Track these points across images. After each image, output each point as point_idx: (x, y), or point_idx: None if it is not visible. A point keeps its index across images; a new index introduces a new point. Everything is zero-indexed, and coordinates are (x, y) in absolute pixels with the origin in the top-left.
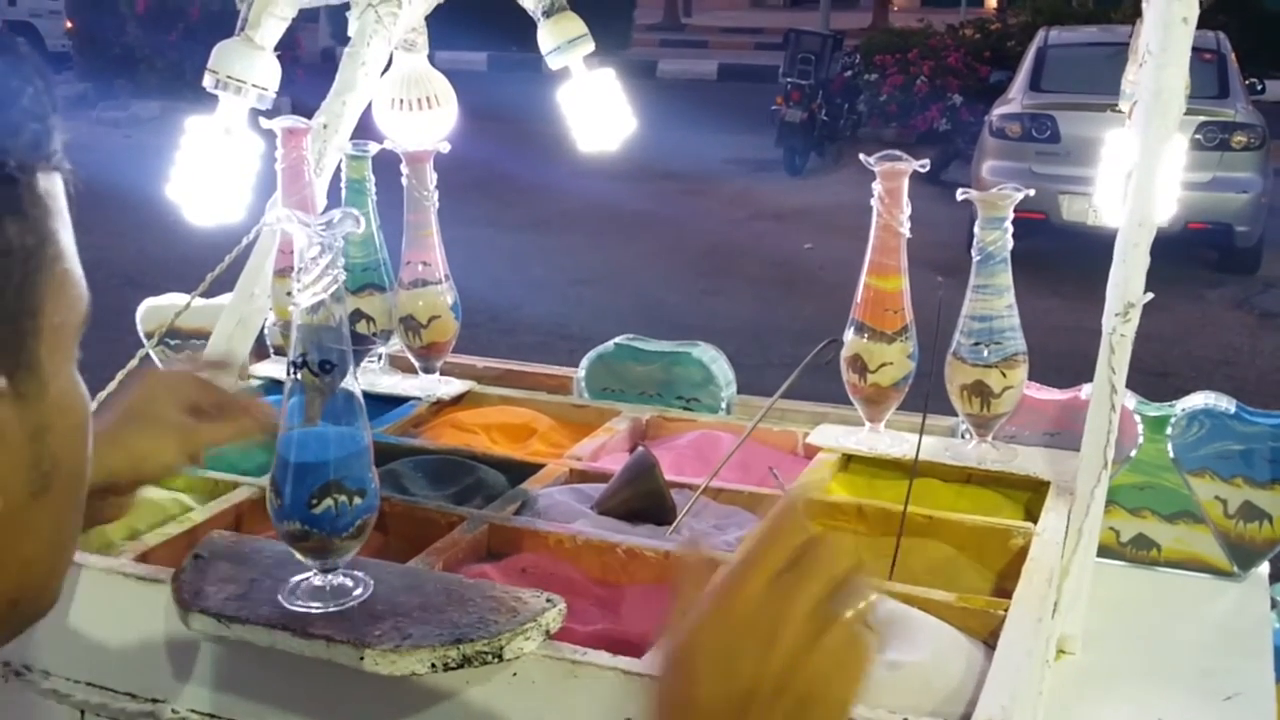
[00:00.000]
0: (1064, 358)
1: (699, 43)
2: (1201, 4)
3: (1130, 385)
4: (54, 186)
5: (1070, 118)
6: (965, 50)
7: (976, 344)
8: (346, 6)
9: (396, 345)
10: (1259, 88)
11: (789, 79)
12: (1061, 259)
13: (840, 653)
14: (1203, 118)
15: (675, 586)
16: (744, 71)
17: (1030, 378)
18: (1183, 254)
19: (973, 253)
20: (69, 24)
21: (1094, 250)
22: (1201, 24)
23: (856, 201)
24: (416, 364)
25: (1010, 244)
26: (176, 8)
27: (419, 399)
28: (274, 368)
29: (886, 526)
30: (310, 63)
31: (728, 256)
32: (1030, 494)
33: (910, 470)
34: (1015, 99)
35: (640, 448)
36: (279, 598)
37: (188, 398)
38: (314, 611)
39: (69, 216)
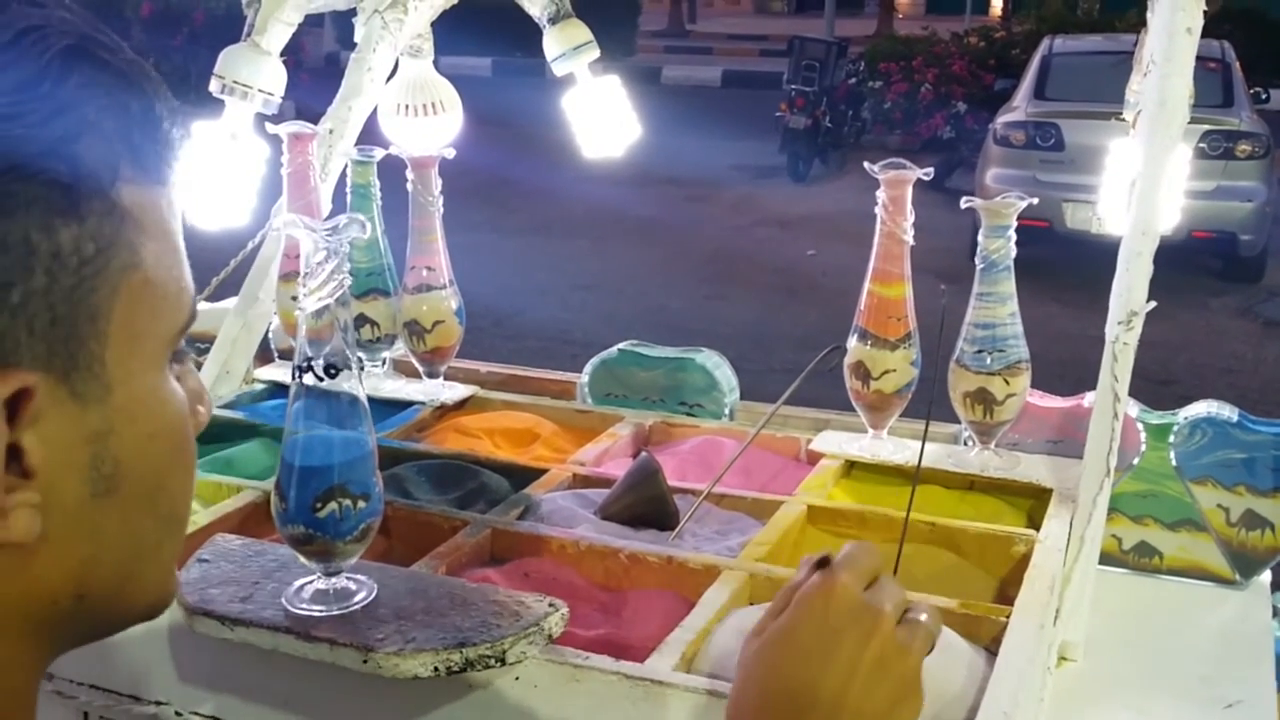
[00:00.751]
0: (1067, 365)
1: (703, 49)
2: (1205, 13)
3: (1133, 393)
4: (147, 200)
5: (1075, 126)
6: (970, 58)
7: (980, 351)
8: (352, 12)
9: (400, 350)
10: (1264, 97)
11: (793, 86)
12: (1065, 266)
13: (912, 677)
14: (1207, 126)
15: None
16: (748, 78)
17: (1033, 384)
18: (1187, 262)
19: (976, 260)
20: None
21: (1097, 258)
22: (1206, 33)
23: (860, 208)
24: (420, 368)
25: (1014, 252)
26: (181, 12)
27: (422, 403)
28: (278, 372)
29: (888, 533)
30: (315, 67)
31: (731, 262)
32: (1033, 501)
33: (912, 477)
34: (1020, 107)
35: (643, 453)
36: (283, 601)
37: None
38: (318, 615)
39: (174, 230)
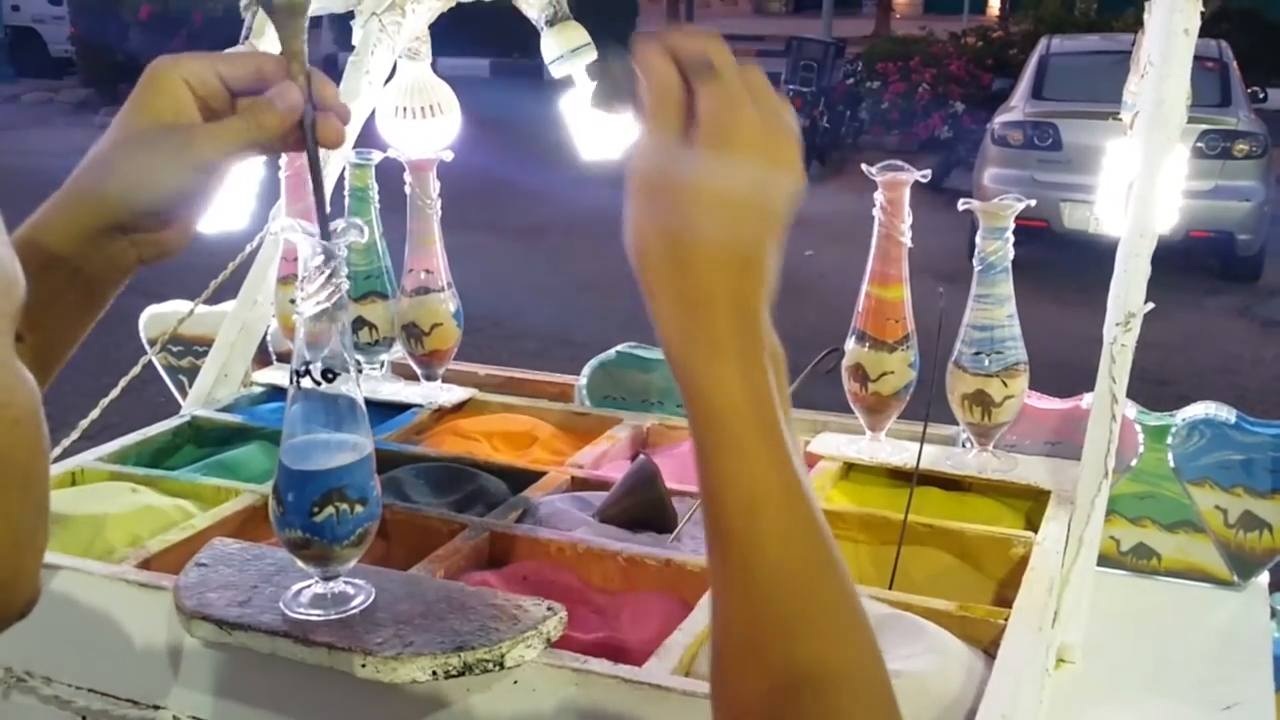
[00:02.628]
0: (1064, 365)
1: None
2: (1203, 13)
3: (1131, 393)
4: None
5: (1072, 126)
6: (967, 58)
7: (978, 353)
8: (350, 15)
9: (398, 352)
10: (1261, 96)
11: (791, 86)
12: (1062, 267)
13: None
14: (1205, 126)
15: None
16: None
17: (1030, 385)
18: (1184, 262)
19: (974, 262)
20: (72, 29)
21: (1095, 258)
22: (1204, 32)
23: (858, 209)
24: (418, 371)
25: (1011, 254)
26: (179, 14)
27: (421, 406)
28: (276, 375)
29: (887, 535)
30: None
31: None
32: (1031, 503)
33: (911, 479)
34: (1017, 107)
35: (642, 456)
36: (281, 605)
37: (201, 88)
38: (316, 619)
39: None
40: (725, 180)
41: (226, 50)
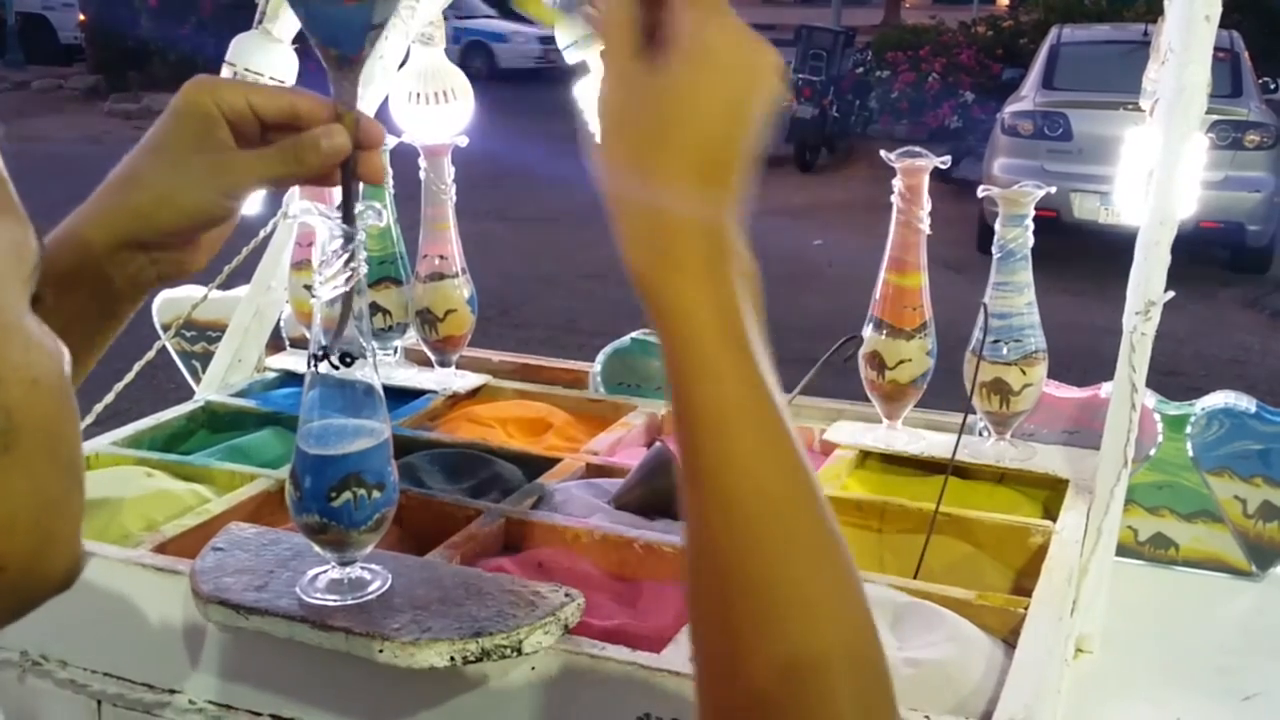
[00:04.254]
0: (1073, 354)
1: None
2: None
3: None
4: None
5: (1083, 115)
6: (977, 47)
7: (996, 341)
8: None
9: (412, 338)
10: (1272, 87)
11: (800, 75)
12: (1072, 256)
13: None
14: (1216, 116)
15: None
16: None
17: None
18: (1194, 253)
19: (993, 250)
20: (82, 16)
21: (1104, 248)
22: None
23: (866, 198)
24: (432, 357)
25: (1031, 241)
26: (189, 1)
27: (435, 392)
28: (290, 360)
29: (905, 524)
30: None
31: None
32: (1049, 492)
33: (931, 468)
34: (1028, 96)
35: (657, 442)
36: (297, 590)
37: (233, 114)
38: (333, 604)
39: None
40: (694, 93)
41: (239, 36)
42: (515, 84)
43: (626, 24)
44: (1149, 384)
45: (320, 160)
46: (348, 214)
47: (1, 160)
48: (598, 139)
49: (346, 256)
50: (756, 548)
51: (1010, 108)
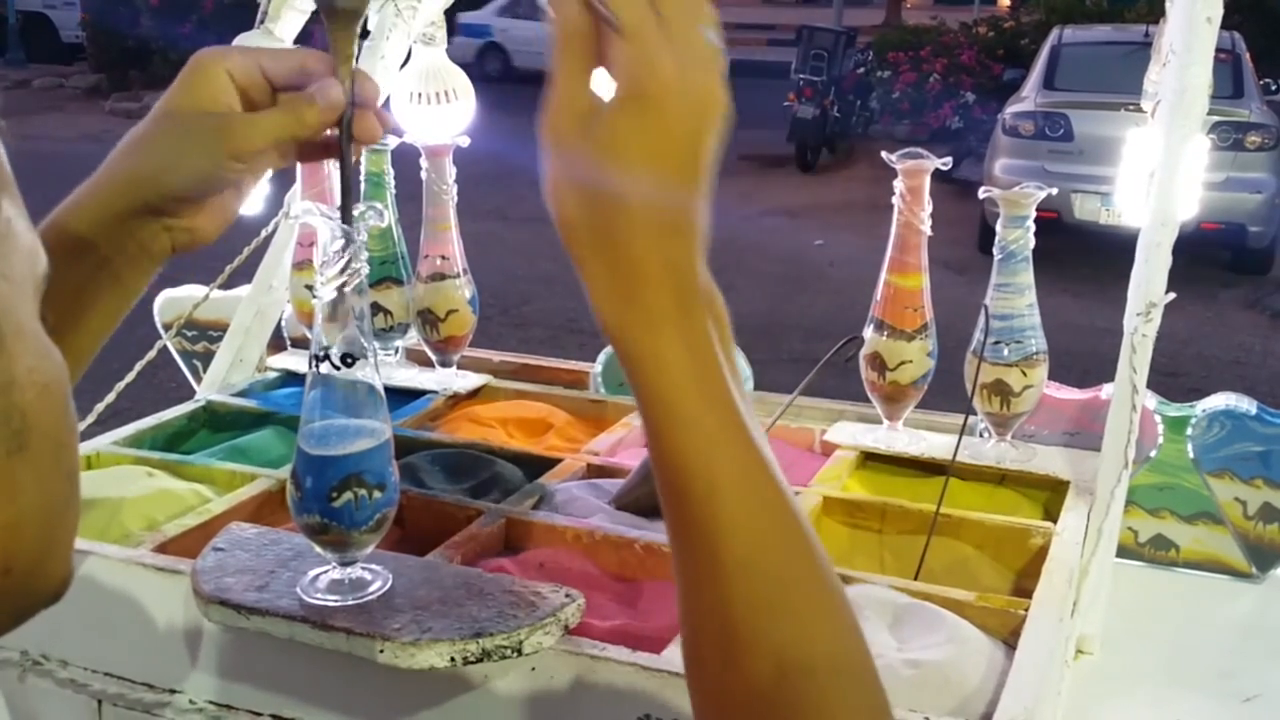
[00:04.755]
0: (1074, 355)
1: None
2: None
3: None
4: None
5: (1084, 116)
6: (978, 48)
7: (997, 342)
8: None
9: (413, 338)
10: (1273, 88)
11: (801, 75)
12: (1073, 257)
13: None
14: (1217, 118)
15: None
16: (756, 68)
17: None
18: (1195, 254)
19: (994, 251)
20: (83, 15)
21: (1105, 249)
22: None
23: (867, 198)
24: (433, 357)
25: (1032, 243)
26: (190, 0)
27: (436, 393)
28: (291, 360)
29: (906, 525)
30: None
31: (739, 252)
32: (1049, 493)
33: (931, 469)
34: (1029, 97)
35: None
36: (298, 590)
37: (244, 79)
38: (333, 604)
39: (10, 172)
40: (643, 140)
41: (241, 35)
42: (532, 84)
43: (578, 49)
44: (1150, 385)
45: (317, 116)
46: (345, 182)
47: (10, 171)
48: (547, 170)
49: (347, 256)
50: (755, 604)
51: (1011, 108)
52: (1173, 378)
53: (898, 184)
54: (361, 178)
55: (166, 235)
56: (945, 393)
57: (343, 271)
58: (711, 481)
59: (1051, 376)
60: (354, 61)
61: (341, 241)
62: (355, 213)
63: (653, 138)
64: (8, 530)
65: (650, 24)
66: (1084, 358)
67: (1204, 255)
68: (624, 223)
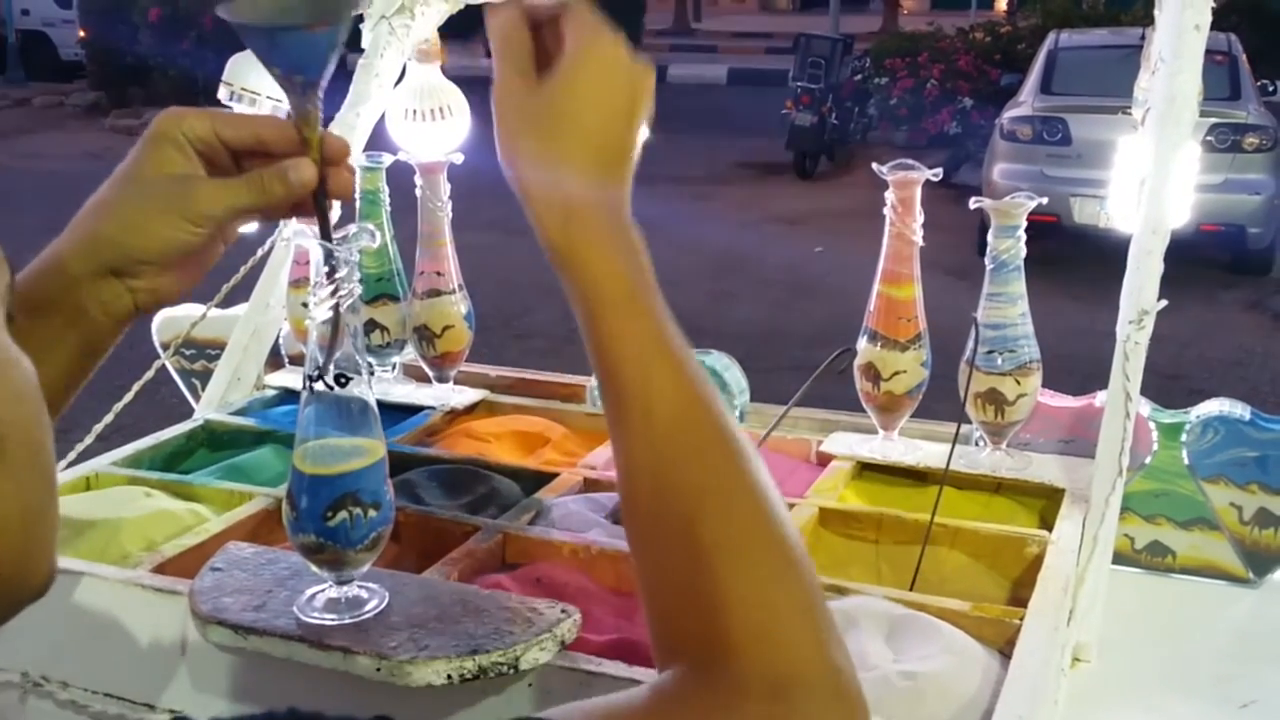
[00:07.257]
0: (1076, 360)
1: (709, 47)
2: (1213, 7)
3: (1143, 388)
4: None
5: (1081, 120)
6: (975, 53)
7: (990, 352)
8: (359, 18)
9: (410, 354)
10: (1271, 89)
11: (799, 83)
12: (1073, 261)
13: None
14: (1215, 119)
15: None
16: (754, 76)
17: (1042, 380)
18: (1195, 256)
19: (986, 260)
20: (82, 33)
21: (1106, 252)
22: (1213, 25)
23: (866, 205)
24: (430, 373)
25: (1024, 252)
26: (189, 17)
27: (432, 408)
28: (288, 378)
29: (901, 535)
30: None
31: (738, 260)
32: (1045, 501)
33: (927, 478)
34: (1026, 102)
35: None
36: (295, 609)
37: (201, 144)
38: (330, 623)
39: None
40: (589, 85)
41: (235, 55)
42: None
43: (519, 40)
44: (1150, 388)
45: (287, 192)
46: (324, 233)
47: None
48: (501, 134)
49: (335, 280)
50: (685, 451)
51: (1009, 113)
52: (1174, 380)
53: (889, 195)
54: (356, 196)
55: (130, 296)
56: (947, 399)
57: (335, 292)
58: (644, 354)
59: (1053, 381)
60: (318, 122)
61: (334, 263)
62: (349, 234)
63: (594, 93)
64: None
65: (589, 5)
66: (1085, 362)
67: (1204, 257)
68: (568, 159)
